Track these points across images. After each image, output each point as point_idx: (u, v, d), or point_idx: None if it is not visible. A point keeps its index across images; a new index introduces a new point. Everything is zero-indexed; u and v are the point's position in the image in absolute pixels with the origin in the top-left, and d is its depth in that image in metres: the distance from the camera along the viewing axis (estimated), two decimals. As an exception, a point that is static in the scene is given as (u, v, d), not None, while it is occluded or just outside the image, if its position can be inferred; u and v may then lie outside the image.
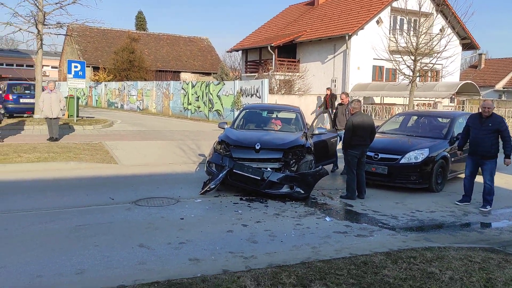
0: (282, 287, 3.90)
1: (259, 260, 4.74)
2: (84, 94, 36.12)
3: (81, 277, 4.15)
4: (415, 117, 10.41)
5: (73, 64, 16.67)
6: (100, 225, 5.80)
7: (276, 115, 9.69)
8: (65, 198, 7.13)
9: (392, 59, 18.58)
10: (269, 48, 29.73)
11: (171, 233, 5.56)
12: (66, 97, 18.37)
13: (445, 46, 17.58)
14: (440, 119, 9.92)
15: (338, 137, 10.01)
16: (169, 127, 18.77)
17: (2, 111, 12.02)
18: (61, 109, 12.54)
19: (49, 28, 17.16)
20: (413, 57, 17.41)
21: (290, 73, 28.12)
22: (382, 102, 26.50)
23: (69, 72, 16.62)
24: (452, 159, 8.75)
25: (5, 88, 18.47)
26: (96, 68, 38.73)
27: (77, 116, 18.44)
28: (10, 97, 17.98)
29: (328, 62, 28.45)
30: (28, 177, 8.51)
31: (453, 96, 22.83)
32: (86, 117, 20.07)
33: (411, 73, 18.00)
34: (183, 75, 43.53)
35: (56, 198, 7.12)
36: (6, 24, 16.26)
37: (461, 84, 22.07)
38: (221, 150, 8.03)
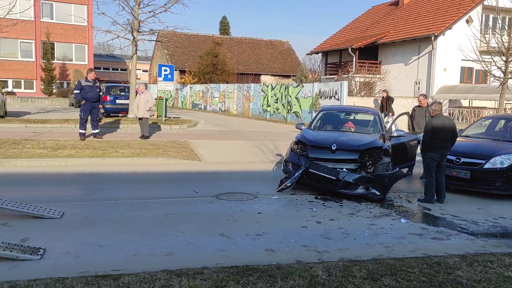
0: (352, 279, 4.09)
1: (332, 254, 4.95)
2: (171, 96, 38.31)
3: (170, 258, 4.65)
4: (503, 121, 9.87)
5: (163, 68, 17.99)
6: (186, 215, 6.35)
7: (354, 117, 9.76)
8: (155, 189, 7.86)
9: (481, 60, 17.60)
10: (349, 50, 29.45)
11: (249, 225, 5.95)
12: (156, 99, 19.79)
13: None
14: (532, 123, 9.33)
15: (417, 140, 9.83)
16: (249, 128, 19.42)
17: (102, 111, 13.33)
18: (147, 110, 13.51)
19: (143, 34, 18.67)
20: (504, 58, 16.36)
21: (370, 75, 27.62)
22: (470, 105, 25.07)
23: (160, 75, 17.96)
24: (544, 165, 8.21)
25: (104, 90, 20.36)
26: (182, 72, 40.88)
27: (165, 117, 19.76)
28: (108, 98, 19.80)
29: (411, 64, 27.53)
30: (123, 170, 9.45)
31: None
32: (173, 117, 21.41)
33: (502, 75, 16.92)
34: (263, 78, 44.42)
35: (147, 189, 7.87)
36: (106, 32, 17.98)
37: None
38: (297, 150, 8.30)
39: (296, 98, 22.95)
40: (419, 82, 27.00)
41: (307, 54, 39.78)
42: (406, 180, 9.54)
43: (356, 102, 20.64)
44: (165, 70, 17.89)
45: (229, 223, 6.05)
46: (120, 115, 19.96)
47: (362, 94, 25.26)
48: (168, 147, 12.09)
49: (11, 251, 4.43)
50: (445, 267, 4.44)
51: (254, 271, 4.20)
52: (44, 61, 37.44)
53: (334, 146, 7.80)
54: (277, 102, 24.64)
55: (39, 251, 4.61)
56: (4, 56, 37.59)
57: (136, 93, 15.17)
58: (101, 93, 12.96)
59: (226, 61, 38.81)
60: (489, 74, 18.50)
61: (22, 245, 4.67)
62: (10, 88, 37.42)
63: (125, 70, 58.24)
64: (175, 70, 41.36)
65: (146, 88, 13.80)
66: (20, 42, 37.84)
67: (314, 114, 18.28)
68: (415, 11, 30.37)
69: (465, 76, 26.95)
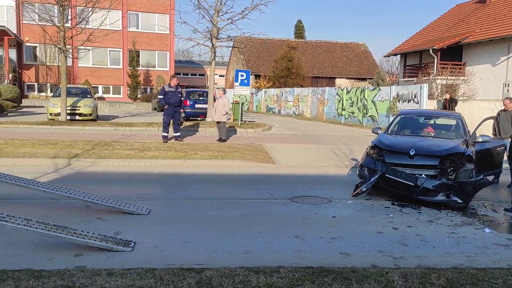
0: (430, 286, 4.03)
1: (408, 261, 4.88)
2: (246, 100, 39.17)
3: (247, 256, 4.87)
4: None
5: (239, 73, 18.53)
6: (262, 216, 6.56)
7: (434, 121, 9.42)
8: (232, 190, 8.19)
9: None
10: (430, 51, 28.20)
11: (323, 228, 6.02)
12: (232, 103, 20.41)
13: None
14: None
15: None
16: (323, 132, 19.35)
17: (183, 115, 14.08)
18: (223, 114, 13.98)
19: (221, 41, 19.40)
20: None
21: (453, 77, 26.23)
22: None
23: (236, 80, 18.53)
24: None
25: (184, 95, 21.44)
26: (257, 76, 41.65)
27: (241, 120, 20.30)
28: (188, 102, 20.79)
29: (500, 65, 25.74)
30: (202, 171, 9.93)
31: None
32: (248, 121, 21.92)
33: None
34: (338, 81, 43.90)
35: (225, 190, 8.23)
36: (187, 40, 18.96)
37: None
38: (374, 155, 8.20)
39: (372, 101, 22.45)
40: (508, 84, 25.16)
41: (384, 56, 38.75)
42: (492, 188, 9.01)
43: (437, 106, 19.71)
44: (242, 75, 18.43)
45: (303, 225, 6.16)
46: (199, 119, 20.84)
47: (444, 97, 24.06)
48: (244, 150, 12.46)
49: (106, 243, 4.90)
50: (531, 280, 4.22)
51: (329, 272, 4.29)
52: (130, 68, 40.08)
53: (412, 151, 7.61)
54: (352, 106, 24.27)
55: (130, 244, 5.05)
56: (95, 64, 40.80)
57: (214, 98, 15.77)
58: (182, 98, 13.69)
59: (301, 65, 38.90)
60: None
61: (115, 238, 5.15)
62: (100, 94, 40.53)
63: (203, 75, 60.54)
64: (251, 74, 42.38)
65: (224, 93, 14.32)
66: (110, 50, 40.83)
67: (391, 118, 17.79)
68: (504, 8, 28.36)
69: None
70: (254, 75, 41.84)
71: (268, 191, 8.13)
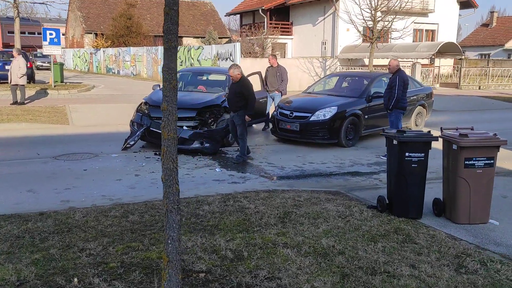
0: (104, 218, 4.73)
1: (123, 201, 5.54)
2: (86, 60, 37.05)
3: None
4: (346, 78, 10.82)
5: (48, 32, 17.36)
6: (14, 174, 6.67)
7: (207, 78, 10.31)
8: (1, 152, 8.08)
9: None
10: (260, 11, 29.81)
11: (65, 181, 6.40)
12: (56, 64, 19.17)
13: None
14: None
15: (271, 98, 10.62)
16: (146, 91, 19.45)
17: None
18: (19, 77, 13.15)
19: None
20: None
21: (283, 36, 28.21)
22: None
23: (45, 39, 17.31)
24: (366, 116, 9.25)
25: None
26: (101, 35, 39.42)
27: (61, 82, 19.32)
28: (-2, 64, 18.95)
29: (318, 25, 28.46)
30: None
31: (433, 56, 22.75)
32: (69, 83, 20.82)
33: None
34: (185, 40, 43.79)
35: (-10, 153, 8.07)
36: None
37: (441, 44, 22.00)
38: (144, 110, 8.77)
39: (198, 60, 23.18)
40: (325, 42, 28.04)
41: (225, 15, 39.76)
42: (263, 134, 10.34)
43: (250, 63, 21.16)
44: (51, 34, 17.30)
45: (47, 180, 6.45)
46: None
47: (277, 53, 25.93)
48: (41, 112, 12.10)
49: None
50: (196, 203, 5.22)
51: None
52: None
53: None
54: (182, 65, 24.73)
55: None
56: None
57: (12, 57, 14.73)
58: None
59: (141, 23, 37.70)
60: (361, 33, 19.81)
61: None
62: None
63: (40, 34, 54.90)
64: (89, 33, 39.91)
65: (19, 54, 13.47)
66: None
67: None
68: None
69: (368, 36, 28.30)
70: (94, 33, 39.58)
71: (36, 152, 8.16)
